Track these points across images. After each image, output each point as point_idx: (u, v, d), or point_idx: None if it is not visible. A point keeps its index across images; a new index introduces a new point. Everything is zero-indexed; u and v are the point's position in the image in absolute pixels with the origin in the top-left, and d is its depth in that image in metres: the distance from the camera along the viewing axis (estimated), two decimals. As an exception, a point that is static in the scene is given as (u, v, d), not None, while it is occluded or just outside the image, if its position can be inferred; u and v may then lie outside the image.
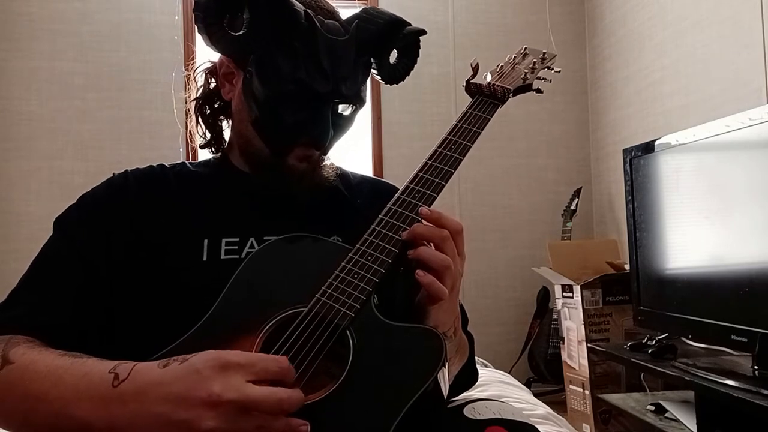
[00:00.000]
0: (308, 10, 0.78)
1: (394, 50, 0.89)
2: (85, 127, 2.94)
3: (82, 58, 2.95)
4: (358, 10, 0.85)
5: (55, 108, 2.92)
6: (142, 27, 2.99)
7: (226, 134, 0.93)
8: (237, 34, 0.78)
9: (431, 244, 0.70)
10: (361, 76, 0.83)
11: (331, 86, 0.79)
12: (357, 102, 0.84)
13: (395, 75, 0.90)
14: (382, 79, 0.89)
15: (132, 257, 0.77)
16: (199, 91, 0.91)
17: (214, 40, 0.78)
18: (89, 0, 2.98)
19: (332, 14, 0.84)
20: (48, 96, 2.92)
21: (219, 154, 0.93)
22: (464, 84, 0.89)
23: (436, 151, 0.80)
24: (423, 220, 0.72)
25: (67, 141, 2.92)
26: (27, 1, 2.93)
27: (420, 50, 0.90)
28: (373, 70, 0.88)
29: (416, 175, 0.77)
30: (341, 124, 0.84)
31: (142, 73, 2.94)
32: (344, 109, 0.84)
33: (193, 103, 0.91)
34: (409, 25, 0.87)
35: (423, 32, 0.88)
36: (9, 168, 2.88)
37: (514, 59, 0.94)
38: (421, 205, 0.73)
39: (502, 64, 0.93)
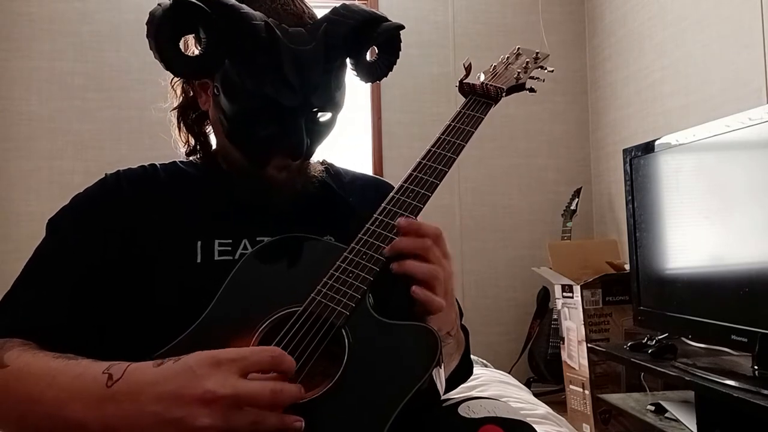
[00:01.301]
0: (270, 20, 0.74)
1: (375, 47, 0.85)
2: (85, 127, 2.94)
3: (82, 58, 2.95)
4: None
5: (55, 108, 2.92)
6: (142, 27, 2.97)
7: (212, 137, 0.91)
8: (195, 55, 0.74)
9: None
10: (334, 81, 0.79)
11: (299, 99, 0.76)
12: (332, 109, 0.81)
13: (375, 73, 0.85)
14: (361, 79, 0.86)
15: (127, 255, 0.77)
16: (180, 99, 0.90)
17: (173, 66, 0.74)
18: (89, 0, 2.98)
19: (300, 18, 0.79)
20: (48, 96, 2.92)
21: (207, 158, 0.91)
22: (457, 84, 0.88)
23: (430, 150, 0.79)
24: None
25: (67, 141, 2.92)
26: (27, 1, 2.93)
27: (401, 44, 0.85)
28: (351, 70, 0.84)
29: (411, 175, 0.77)
30: (320, 131, 0.82)
31: (142, 73, 2.94)
32: (321, 116, 0.81)
33: (174, 112, 0.90)
34: (386, 20, 0.82)
35: (400, 27, 0.83)
36: (9, 168, 2.88)
37: (507, 59, 0.94)
38: (403, 215, 0.73)
39: (495, 64, 0.93)
